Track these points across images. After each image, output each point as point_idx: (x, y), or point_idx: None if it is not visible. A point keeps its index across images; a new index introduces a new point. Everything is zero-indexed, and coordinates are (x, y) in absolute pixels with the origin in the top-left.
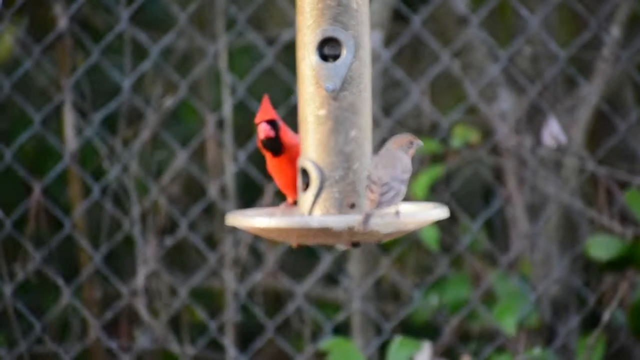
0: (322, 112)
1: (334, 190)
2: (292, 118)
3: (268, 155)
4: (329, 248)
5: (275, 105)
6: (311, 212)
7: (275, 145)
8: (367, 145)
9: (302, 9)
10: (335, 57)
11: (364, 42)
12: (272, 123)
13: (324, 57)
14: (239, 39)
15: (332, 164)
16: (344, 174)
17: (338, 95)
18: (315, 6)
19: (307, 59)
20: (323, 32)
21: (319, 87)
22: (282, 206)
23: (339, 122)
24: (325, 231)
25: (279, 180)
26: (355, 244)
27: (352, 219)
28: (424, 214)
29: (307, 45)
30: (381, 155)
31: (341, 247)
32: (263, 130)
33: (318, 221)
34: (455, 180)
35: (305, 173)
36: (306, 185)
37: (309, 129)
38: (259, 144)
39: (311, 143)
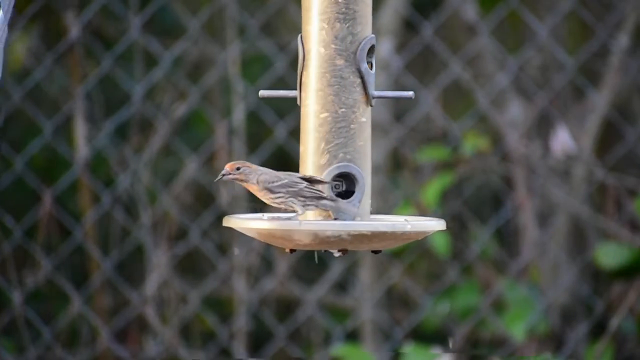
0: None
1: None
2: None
3: None
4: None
5: (284, 113)
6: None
7: None
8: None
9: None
10: None
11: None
12: None
13: None
14: (250, 47)
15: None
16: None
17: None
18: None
19: None
20: None
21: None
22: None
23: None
24: (314, 237)
25: None
26: (342, 251)
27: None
28: (401, 226)
29: None
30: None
31: (336, 253)
32: None
33: (306, 226)
34: (465, 188)
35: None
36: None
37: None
38: None
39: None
